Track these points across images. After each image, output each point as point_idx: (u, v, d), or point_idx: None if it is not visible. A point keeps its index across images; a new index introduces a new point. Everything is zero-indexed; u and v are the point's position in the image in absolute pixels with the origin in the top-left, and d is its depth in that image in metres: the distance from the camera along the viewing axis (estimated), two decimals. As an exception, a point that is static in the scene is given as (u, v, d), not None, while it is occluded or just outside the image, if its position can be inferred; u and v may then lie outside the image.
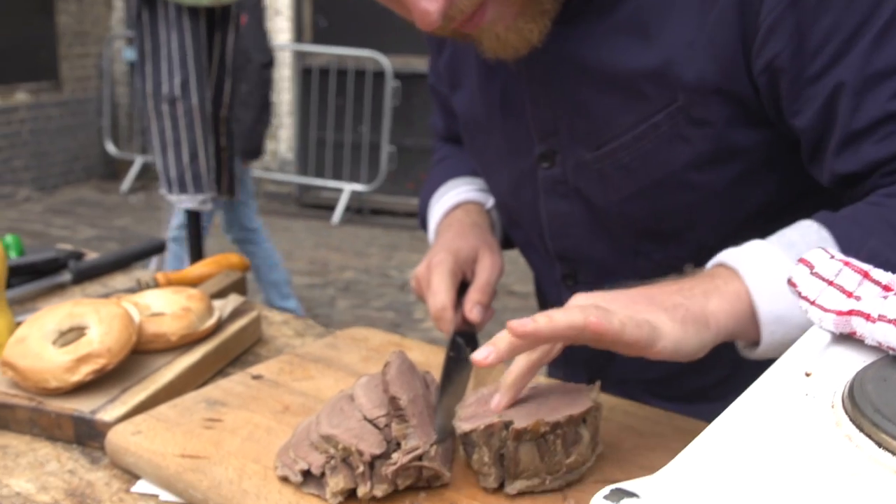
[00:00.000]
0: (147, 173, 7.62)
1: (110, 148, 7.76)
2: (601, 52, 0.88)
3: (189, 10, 2.75)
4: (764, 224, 0.82)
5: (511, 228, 1.16)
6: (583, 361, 1.12)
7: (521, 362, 0.77)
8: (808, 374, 0.55)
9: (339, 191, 6.93)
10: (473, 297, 0.99)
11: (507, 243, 1.20)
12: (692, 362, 1.04)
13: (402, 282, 5.21)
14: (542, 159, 0.99)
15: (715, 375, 1.04)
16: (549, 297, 1.16)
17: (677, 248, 0.95)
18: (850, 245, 0.75)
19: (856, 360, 0.56)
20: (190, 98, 2.83)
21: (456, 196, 1.16)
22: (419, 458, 0.70)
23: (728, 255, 0.79)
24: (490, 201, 1.17)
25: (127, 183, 7.54)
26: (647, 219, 0.95)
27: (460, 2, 0.80)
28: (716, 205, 0.91)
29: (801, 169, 0.90)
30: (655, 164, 0.90)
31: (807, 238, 0.78)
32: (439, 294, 0.96)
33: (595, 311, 0.70)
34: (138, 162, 7.60)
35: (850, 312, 0.58)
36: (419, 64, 6.59)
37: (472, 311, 0.97)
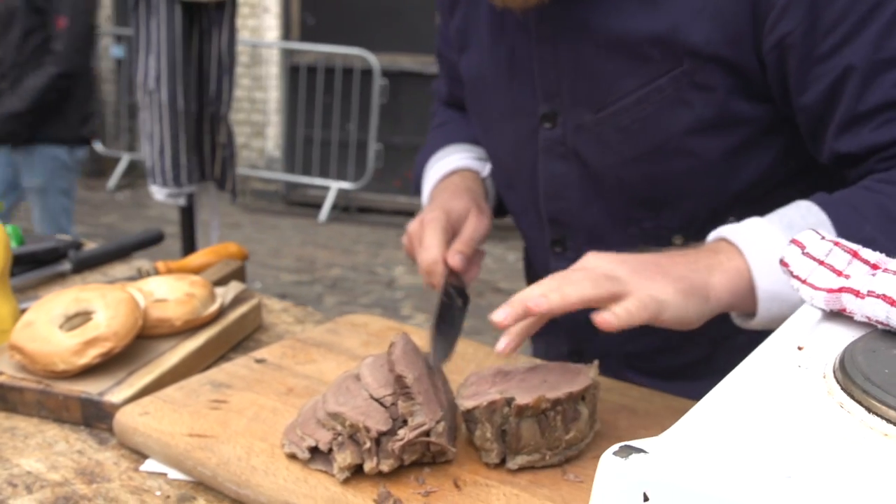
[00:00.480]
0: (133, 171, 7.59)
1: (97, 145, 7.71)
2: (609, 16, 0.90)
3: (167, 2, 2.75)
4: (755, 199, 0.85)
5: (506, 192, 1.17)
6: (564, 333, 1.14)
7: None
8: (800, 348, 0.58)
9: (327, 188, 6.93)
10: (456, 246, 1.00)
11: (498, 212, 1.22)
12: (672, 341, 1.07)
13: (389, 279, 5.22)
14: (545, 119, 1.01)
15: (693, 354, 1.07)
16: (537, 265, 1.17)
17: (668, 218, 0.98)
18: (848, 230, 0.78)
19: (845, 335, 0.59)
20: (160, 92, 2.84)
21: (453, 162, 1.18)
22: (426, 433, 0.72)
23: (730, 232, 0.82)
24: (486, 170, 1.18)
25: (114, 180, 7.50)
26: (641, 184, 0.97)
27: None
28: (710, 175, 0.94)
29: (796, 148, 0.92)
30: (656, 128, 0.92)
31: (807, 220, 0.80)
32: (432, 249, 0.98)
33: (607, 282, 0.73)
34: (125, 159, 7.57)
35: (841, 290, 0.60)
36: (407, 62, 6.60)
37: (454, 257, 0.98)
